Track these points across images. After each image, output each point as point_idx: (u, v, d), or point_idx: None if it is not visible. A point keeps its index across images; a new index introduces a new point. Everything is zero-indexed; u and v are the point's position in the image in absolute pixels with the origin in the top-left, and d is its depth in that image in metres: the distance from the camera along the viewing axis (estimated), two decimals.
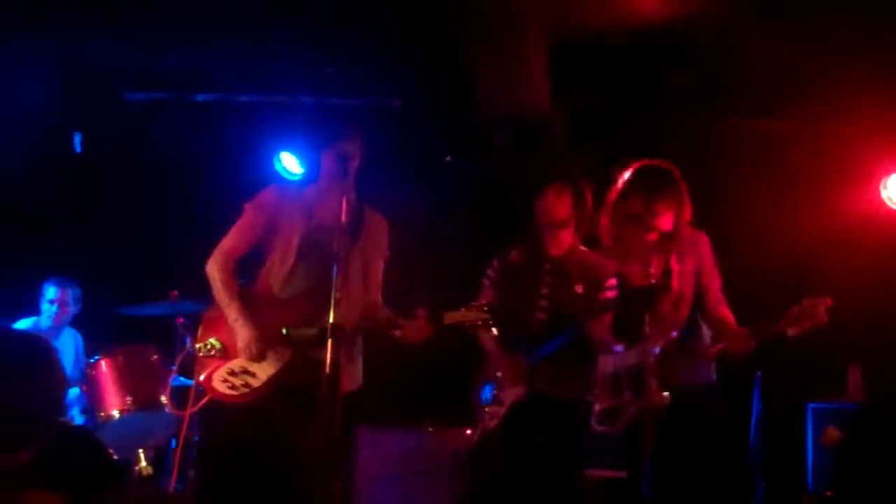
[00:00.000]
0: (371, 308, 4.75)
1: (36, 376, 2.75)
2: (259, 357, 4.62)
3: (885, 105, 6.02)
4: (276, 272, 4.73)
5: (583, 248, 5.21)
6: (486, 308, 4.54)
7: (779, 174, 6.51)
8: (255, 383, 4.60)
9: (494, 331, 4.85)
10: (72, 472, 2.59)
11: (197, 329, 4.90)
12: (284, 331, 4.60)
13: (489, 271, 5.29)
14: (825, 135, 6.36)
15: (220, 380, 4.65)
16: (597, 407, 4.89)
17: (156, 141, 6.99)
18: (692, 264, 4.89)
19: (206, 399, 4.72)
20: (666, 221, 4.79)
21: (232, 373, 4.64)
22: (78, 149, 7.20)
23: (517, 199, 5.53)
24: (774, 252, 6.32)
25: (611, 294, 4.89)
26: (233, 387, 4.61)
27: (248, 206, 4.81)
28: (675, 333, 4.76)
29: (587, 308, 4.94)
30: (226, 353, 4.68)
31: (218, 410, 4.78)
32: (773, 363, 5.99)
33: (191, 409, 4.91)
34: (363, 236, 4.74)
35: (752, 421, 6.27)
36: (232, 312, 4.67)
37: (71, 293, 6.55)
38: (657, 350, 4.65)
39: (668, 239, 4.81)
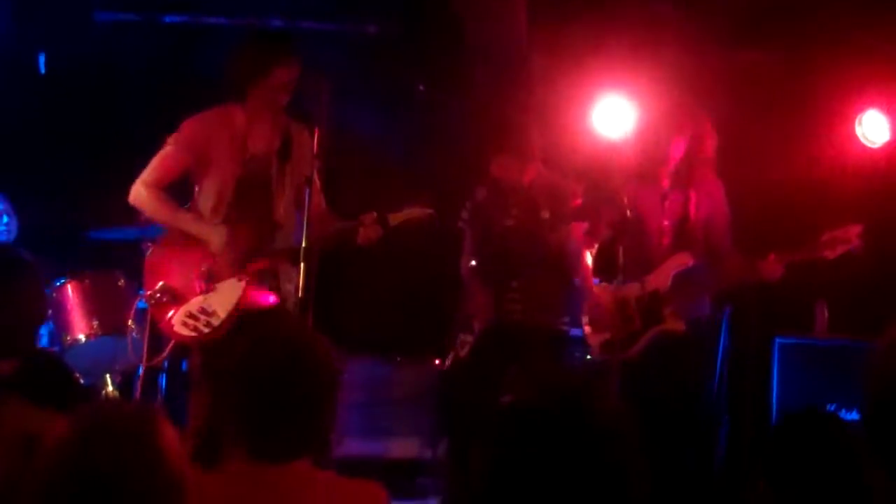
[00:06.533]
0: (323, 217, 4.73)
1: (19, 286, 2.76)
2: (236, 247, 4.57)
3: (863, 40, 6.00)
4: (214, 210, 4.66)
5: (545, 171, 5.24)
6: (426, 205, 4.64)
7: (754, 107, 6.48)
8: (216, 321, 4.57)
9: (473, 262, 4.96)
10: (41, 393, 2.59)
11: None
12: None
13: (462, 213, 5.33)
14: (802, 68, 6.34)
15: (180, 323, 4.61)
16: (602, 337, 4.99)
17: (123, 62, 6.85)
18: (707, 205, 5.03)
19: (171, 345, 4.71)
20: (678, 150, 4.90)
21: (190, 315, 4.60)
22: (42, 70, 7.05)
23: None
24: (746, 185, 6.31)
25: (575, 209, 4.97)
26: (195, 329, 4.58)
27: (169, 141, 4.69)
28: (690, 262, 4.92)
29: (553, 230, 5.01)
30: (177, 296, 4.63)
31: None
32: (742, 299, 6.01)
33: (158, 359, 4.89)
34: (294, 155, 4.70)
35: (719, 355, 6.31)
36: (187, 223, 4.62)
37: (9, 205, 6.38)
38: (669, 280, 4.85)
39: (684, 171, 4.93)
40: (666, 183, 5.08)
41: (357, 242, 4.64)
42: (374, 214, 4.62)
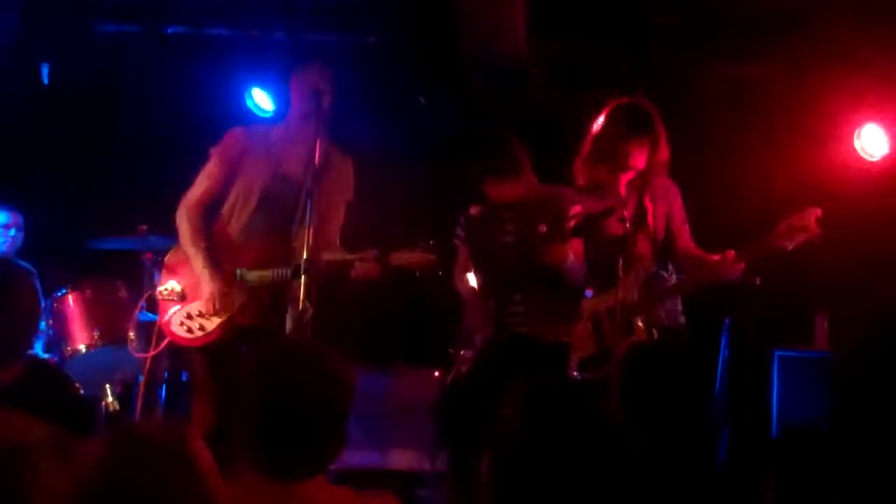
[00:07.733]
0: (326, 248, 4.75)
1: (14, 297, 2.76)
2: (219, 311, 4.66)
3: (862, 54, 6.02)
4: (236, 217, 4.78)
5: (536, 182, 5.22)
6: (433, 248, 4.61)
7: (753, 121, 6.50)
8: (209, 326, 4.70)
9: (471, 280, 4.96)
10: (42, 405, 2.59)
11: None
12: (238, 273, 4.68)
13: (457, 230, 5.32)
14: (802, 82, 6.35)
15: (177, 323, 4.76)
16: (578, 355, 4.93)
17: (125, 73, 6.89)
18: (664, 208, 4.94)
19: (165, 342, 4.82)
20: (640, 160, 4.82)
21: (189, 316, 4.74)
22: (46, 80, 7.07)
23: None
24: (746, 198, 6.32)
25: (574, 223, 4.92)
26: (189, 330, 4.72)
27: (213, 151, 4.84)
28: (653, 269, 4.84)
29: (552, 243, 4.97)
30: (184, 297, 4.77)
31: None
32: (741, 310, 6.01)
33: (153, 352, 4.97)
34: (326, 178, 4.72)
35: (719, 367, 6.31)
36: (198, 262, 4.72)
37: (21, 218, 6.43)
38: (636, 289, 4.74)
39: (643, 178, 4.86)
40: (622, 192, 4.96)
41: (351, 277, 4.65)
42: (376, 252, 4.64)
